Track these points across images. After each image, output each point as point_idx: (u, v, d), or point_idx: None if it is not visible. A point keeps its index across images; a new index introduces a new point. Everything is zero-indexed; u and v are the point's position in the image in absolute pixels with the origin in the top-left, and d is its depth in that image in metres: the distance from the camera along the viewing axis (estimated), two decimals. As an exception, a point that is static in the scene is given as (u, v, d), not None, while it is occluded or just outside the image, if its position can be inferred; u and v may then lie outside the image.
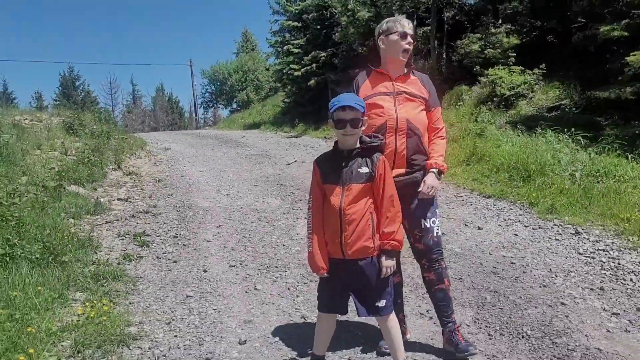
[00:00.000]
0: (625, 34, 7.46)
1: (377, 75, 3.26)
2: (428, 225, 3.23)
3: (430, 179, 3.21)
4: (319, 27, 19.66)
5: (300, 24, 20.47)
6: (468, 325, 3.70)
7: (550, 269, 4.59)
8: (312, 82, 19.00)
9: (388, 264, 2.78)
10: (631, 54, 7.13)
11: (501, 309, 3.93)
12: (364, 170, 2.78)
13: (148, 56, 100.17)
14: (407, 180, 3.17)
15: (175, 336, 3.71)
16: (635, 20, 7.45)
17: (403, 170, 3.17)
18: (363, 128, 2.84)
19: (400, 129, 3.12)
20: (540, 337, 3.45)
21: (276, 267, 5.03)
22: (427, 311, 3.96)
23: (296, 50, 20.05)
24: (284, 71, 21.05)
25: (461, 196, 7.31)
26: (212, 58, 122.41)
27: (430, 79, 3.39)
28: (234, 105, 43.06)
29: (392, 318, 2.92)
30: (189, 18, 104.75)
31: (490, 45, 11.83)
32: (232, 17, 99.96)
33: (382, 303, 2.84)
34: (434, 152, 3.29)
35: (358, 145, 2.83)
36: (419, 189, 3.19)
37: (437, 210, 3.30)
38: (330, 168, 2.86)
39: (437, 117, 3.32)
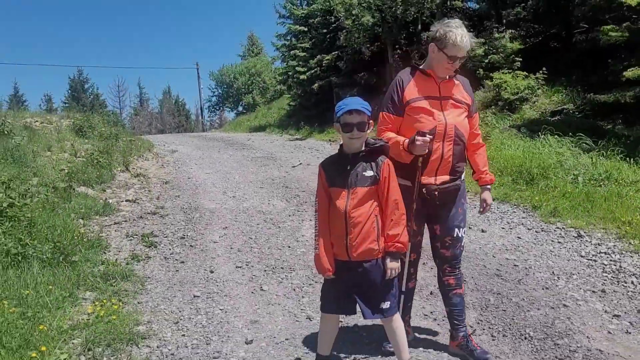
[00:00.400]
0: (626, 34, 7.49)
1: (422, 76, 3.11)
2: (460, 235, 3.22)
3: (489, 198, 3.32)
4: (324, 31, 19.77)
5: (306, 28, 20.61)
6: (472, 327, 3.75)
7: (553, 272, 4.64)
8: (316, 85, 19.13)
9: (393, 265, 2.82)
10: (629, 69, 7.20)
11: (504, 310, 3.98)
12: (369, 173, 2.80)
13: (155, 59, 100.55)
14: (450, 187, 3.11)
15: (183, 335, 3.79)
16: (636, 24, 7.50)
17: (447, 177, 3.10)
18: (369, 131, 2.84)
19: (448, 135, 3.02)
20: (542, 339, 3.50)
21: (282, 268, 5.10)
22: (431, 312, 4.03)
23: (302, 54, 20.19)
24: (290, 74, 21.20)
25: (465, 199, 7.35)
26: (218, 61, 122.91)
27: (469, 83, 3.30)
28: (240, 108, 43.23)
29: (397, 319, 2.96)
30: (195, 22, 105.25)
31: (494, 50, 11.89)
32: (238, 20, 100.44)
33: (386, 305, 2.88)
34: (482, 164, 3.31)
35: (363, 148, 2.85)
36: (481, 210, 3.35)
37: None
38: (336, 172, 2.89)
39: (477, 123, 3.30)
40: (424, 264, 5.03)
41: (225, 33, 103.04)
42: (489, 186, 3.33)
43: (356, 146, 2.83)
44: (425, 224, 3.30)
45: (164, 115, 53.39)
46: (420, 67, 3.15)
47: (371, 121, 2.85)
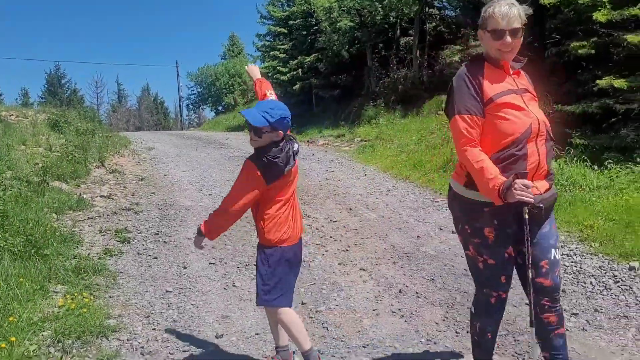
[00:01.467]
0: (593, 51, 7.83)
1: (492, 67, 2.53)
2: (558, 257, 2.58)
3: None
4: (304, 33, 19.89)
5: (286, 30, 20.72)
6: (437, 324, 3.86)
7: (518, 272, 4.78)
8: (297, 86, 19.24)
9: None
10: (603, 78, 7.49)
11: (469, 308, 4.09)
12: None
13: (135, 57, 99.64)
14: (553, 196, 2.56)
15: (154, 329, 3.84)
16: (603, 39, 7.81)
17: (547, 185, 2.51)
18: (274, 139, 2.85)
19: (542, 134, 2.46)
20: (504, 335, 3.61)
21: (255, 265, 5.14)
22: (399, 309, 4.12)
23: (282, 55, 20.29)
24: (270, 75, 21.28)
25: (437, 201, 7.51)
26: (199, 60, 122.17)
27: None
28: (220, 108, 43.12)
29: (283, 312, 3.03)
30: (176, 20, 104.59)
31: (470, 57, 12.13)
32: (219, 20, 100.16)
33: (256, 294, 3.07)
34: None
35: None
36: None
37: None
38: None
39: None
40: (394, 263, 5.16)
41: (206, 32, 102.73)
42: None
43: (254, 146, 2.91)
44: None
45: (142, 112, 52.99)
46: (486, 58, 2.58)
47: (279, 132, 2.85)
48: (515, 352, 3.41)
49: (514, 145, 2.39)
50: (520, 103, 2.46)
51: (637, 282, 4.36)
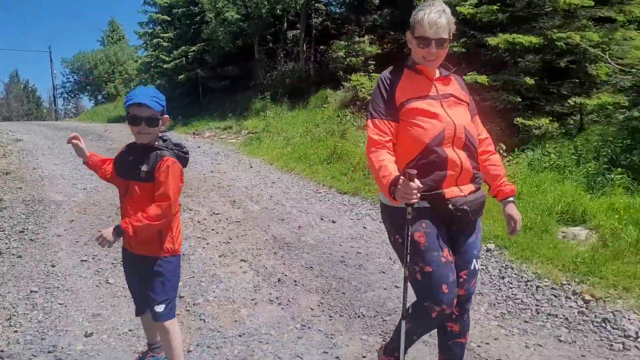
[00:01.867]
0: (464, 50, 8.56)
1: (411, 73, 2.52)
2: (477, 268, 2.56)
3: (517, 213, 2.61)
4: (188, 22, 19.36)
5: (169, 18, 20.03)
6: (312, 309, 4.00)
7: (390, 257, 5.07)
8: (182, 76, 18.70)
9: (104, 233, 2.55)
10: (467, 74, 8.22)
11: (344, 293, 4.29)
12: (144, 168, 2.61)
13: (1, 40, 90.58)
14: (479, 199, 2.48)
15: (15, 331, 3.61)
16: (472, 39, 8.56)
17: (472, 187, 2.47)
18: (163, 128, 2.70)
19: (458, 139, 2.42)
20: (373, 316, 3.84)
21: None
22: (277, 298, 4.20)
23: (165, 44, 19.61)
24: (153, 64, 20.49)
25: (320, 192, 7.73)
26: (75, 46, 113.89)
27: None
28: (100, 97, 40.72)
29: (170, 326, 2.81)
30: (49, 2, 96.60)
31: (354, 53, 12.57)
32: (96, 4, 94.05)
33: (160, 308, 2.73)
34: (500, 171, 2.67)
35: (157, 143, 2.69)
36: (510, 232, 2.61)
37: None
38: (121, 162, 2.77)
39: (481, 127, 2.70)
40: (274, 253, 5.24)
41: (82, 16, 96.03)
42: (511, 198, 2.63)
43: (146, 141, 2.66)
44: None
45: (11, 101, 48.60)
46: (408, 64, 2.58)
47: (166, 116, 2.72)
48: (383, 332, 3.63)
49: (427, 150, 2.37)
50: (434, 108, 2.42)
51: (492, 262, 4.84)
